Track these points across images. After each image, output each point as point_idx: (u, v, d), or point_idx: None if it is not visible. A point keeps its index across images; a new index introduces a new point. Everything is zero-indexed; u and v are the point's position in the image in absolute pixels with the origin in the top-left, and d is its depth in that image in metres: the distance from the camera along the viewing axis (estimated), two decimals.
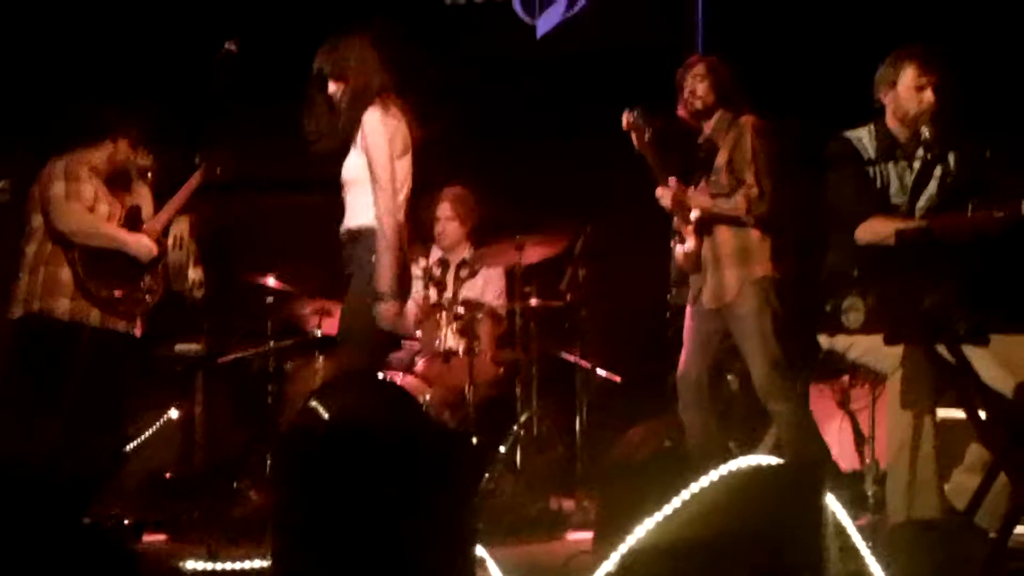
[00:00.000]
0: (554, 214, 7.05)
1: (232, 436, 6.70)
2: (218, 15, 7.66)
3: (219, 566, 4.75)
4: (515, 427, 6.46)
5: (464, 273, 6.86)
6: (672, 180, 5.79)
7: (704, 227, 5.73)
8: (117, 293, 5.87)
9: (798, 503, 3.61)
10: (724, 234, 5.67)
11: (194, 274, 6.04)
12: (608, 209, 7.14)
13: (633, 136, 5.83)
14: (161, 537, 5.73)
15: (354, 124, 5.31)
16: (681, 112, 5.82)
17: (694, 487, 3.52)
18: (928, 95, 4.96)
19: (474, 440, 6.06)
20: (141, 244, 5.94)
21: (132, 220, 6.01)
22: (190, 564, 4.73)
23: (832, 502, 3.71)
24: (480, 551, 4.18)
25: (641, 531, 3.53)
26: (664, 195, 5.80)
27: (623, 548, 3.53)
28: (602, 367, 6.85)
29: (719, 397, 6.00)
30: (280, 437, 5.81)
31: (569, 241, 6.71)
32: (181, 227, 6.04)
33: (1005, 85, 6.25)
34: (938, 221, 4.47)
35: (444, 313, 6.44)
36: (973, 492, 4.27)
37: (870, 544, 3.86)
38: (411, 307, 6.64)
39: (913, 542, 4.29)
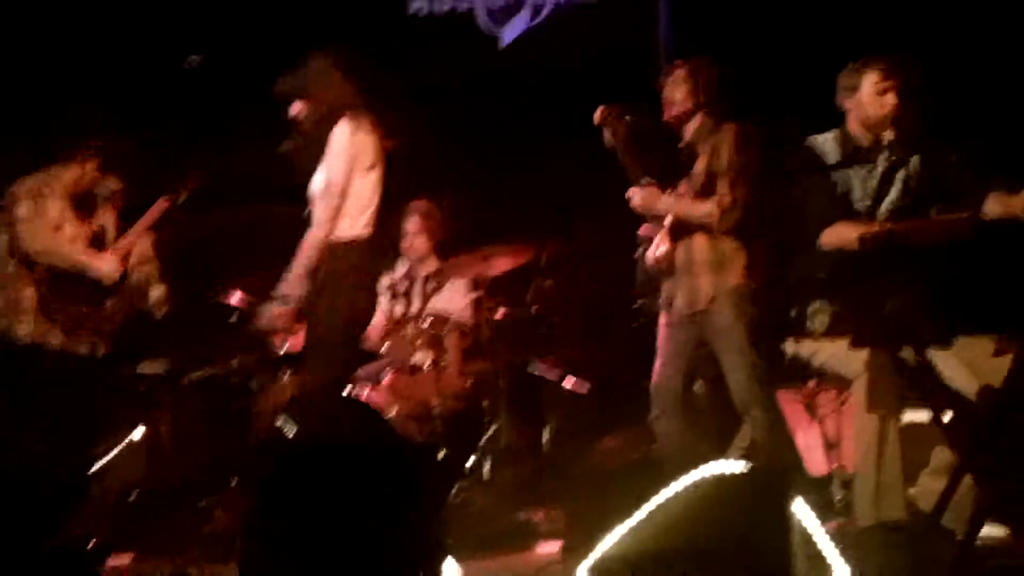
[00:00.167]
0: (520, 225, 7.06)
1: (198, 454, 6.66)
2: (184, 30, 7.64)
3: None
4: (483, 439, 6.45)
5: (431, 286, 6.85)
6: (646, 182, 5.75)
7: (679, 232, 5.68)
8: (81, 314, 5.84)
9: (766, 509, 3.60)
10: (699, 240, 5.61)
11: (156, 292, 6.02)
12: (574, 219, 7.14)
13: (606, 132, 5.79)
14: (128, 557, 5.69)
15: (321, 141, 5.34)
16: (666, 117, 5.79)
17: (661, 495, 3.51)
18: (890, 99, 4.97)
19: (441, 453, 6.05)
20: (105, 264, 5.91)
21: (97, 242, 5.99)
22: None
23: (800, 507, 3.71)
24: (449, 564, 4.16)
25: (610, 541, 3.52)
26: (634, 196, 5.75)
27: (592, 558, 3.52)
28: (570, 377, 6.84)
29: (690, 404, 5.99)
30: (247, 454, 5.78)
31: (535, 252, 6.70)
32: (143, 245, 6.02)
33: (968, 90, 6.28)
34: (901, 225, 4.48)
35: (410, 327, 6.43)
36: (939, 494, 4.27)
37: (838, 548, 3.86)
38: (377, 321, 6.63)
39: (881, 545, 4.30)
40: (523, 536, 5.91)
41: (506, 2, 8.25)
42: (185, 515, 6.05)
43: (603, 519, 3.59)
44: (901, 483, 4.53)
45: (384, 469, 4.11)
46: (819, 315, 4.19)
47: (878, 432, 4.52)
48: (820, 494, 5.50)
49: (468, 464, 6.35)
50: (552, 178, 7.51)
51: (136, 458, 6.65)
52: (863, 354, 4.50)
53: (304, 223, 5.48)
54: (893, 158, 4.94)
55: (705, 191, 5.57)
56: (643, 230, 6.23)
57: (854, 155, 4.98)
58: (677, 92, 5.66)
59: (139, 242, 6.02)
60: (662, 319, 5.77)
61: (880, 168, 4.96)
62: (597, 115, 5.78)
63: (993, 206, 4.64)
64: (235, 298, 6.72)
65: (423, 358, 6.38)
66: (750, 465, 3.75)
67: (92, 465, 6.31)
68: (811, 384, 5.77)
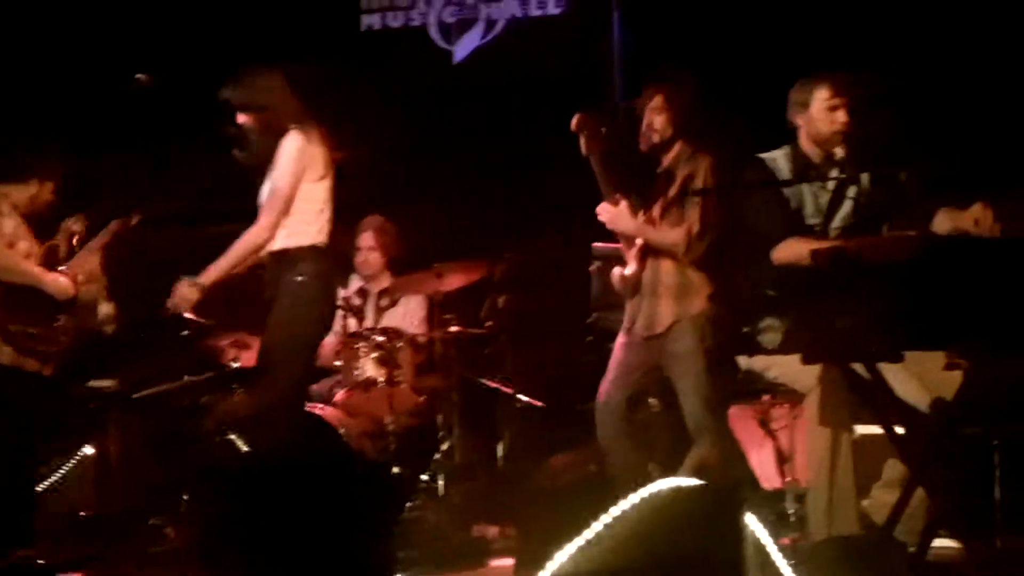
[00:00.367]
0: (474, 242, 7.05)
1: (149, 473, 6.60)
2: (133, 48, 7.61)
3: None
4: (437, 455, 6.43)
5: (384, 302, 6.84)
6: (617, 200, 5.72)
7: (648, 253, 5.69)
8: (32, 331, 5.80)
9: (718, 524, 3.60)
10: (666, 264, 5.60)
11: (105, 309, 5.99)
12: (528, 235, 7.14)
13: (581, 139, 5.77)
14: None
15: (269, 152, 5.31)
16: (642, 146, 5.75)
17: (613, 512, 3.50)
18: (841, 116, 4.99)
19: (395, 470, 6.03)
20: (59, 283, 5.88)
21: (50, 259, 5.96)
22: None
23: (753, 522, 3.71)
24: None
25: (562, 557, 3.51)
26: (604, 212, 5.74)
27: (545, 574, 3.50)
28: (524, 393, 6.83)
29: (640, 422, 5.99)
30: (198, 472, 5.73)
31: (489, 268, 6.69)
32: (91, 262, 5.98)
33: (919, 106, 6.33)
34: (852, 242, 4.49)
35: (364, 343, 6.41)
36: (892, 507, 4.28)
37: (792, 563, 3.86)
38: (330, 337, 6.60)
39: (834, 559, 4.30)
40: (477, 552, 5.91)
41: (459, 17, 8.25)
42: (135, 534, 5.99)
43: (557, 535, 3.57)
44: (854, 496, 4.55)
45: (337, 486, 4.10)
46: (770, 332, 4.20)
47: (831, 446, 4.53)
48: (774, 508, 5.52)
49: (422, 480, 6.33)
50: (506, 194, 7.51)
51: (85, 476, 6.60)
52: (815, 369, 4.52)
53: None
54: (844, 175, 4.96)
55: (676, 217, 5.57)
56: (597, 245, 6.24)
57: (805, 171, 4.99)
58: (656, 119, 5.63)
59: (87, 259, 5.98)
60: (620, 337, 5.77)
61: (831, 185, 4.97)
62: (574, 122, 5.76)
63: (943, 222, 4.67)
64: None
65: (376, 374, 6.36)
66: (703, 481, 3.76)
67: (40, 483, 6.25)
68: (764, 399, 5.79)
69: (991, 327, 3.86)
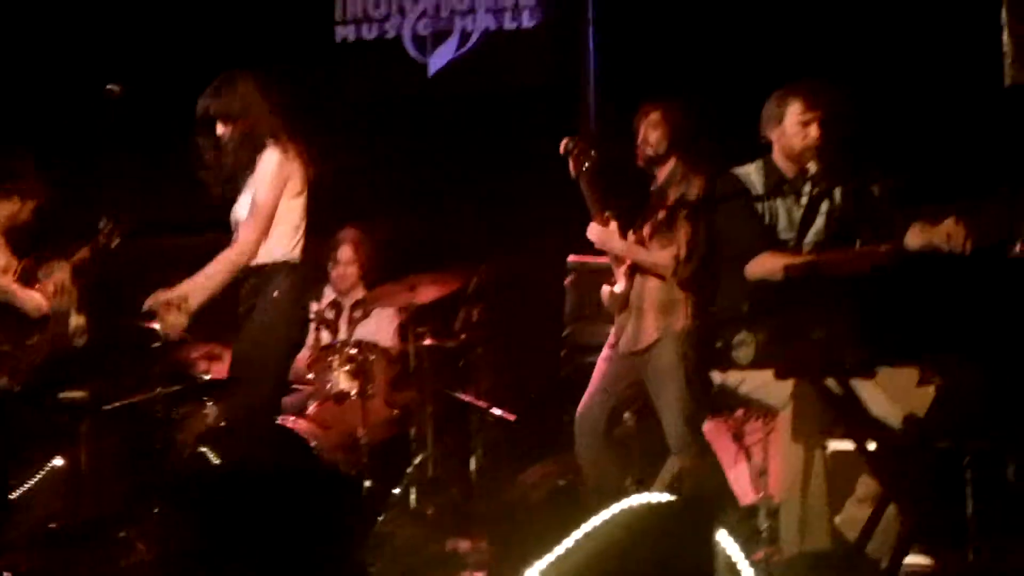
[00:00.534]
0: (448, 254, 7.04)
1: (119, 485, 6.56)
2: (104, 58, 7.59)
3: None
4: (410, 468, 6.40)
5: (358, 314, 6.81)
6: (606, 218, 5.73)
7: (636, 270, 5.71)
8: (5, 348, 5.79)
9: (690, 540, 3.60)
10: (653, 282, 5.65)
11: (76, 320, 5.97)
12: (502, 248, 7.13)
13: (570, 162, 5.78)
14: None
15: (246, 165, 5.29)
16: (640, 159, 5.79)
17: (586, 526, 3.49)
18: (814, 130, 5.00)
19: (367, 483, 6.00)
20: (32, 299, 5.88)
21: (26, 275, 5.94)
22: None
23: (724, 538, 3.71)
24: None
25: (534, 572, 3.50)
26: (592, 231, 5.75)
27: None
28: (497, 407, 6.82)
29: (616, 436, 5.98)
30: (169, 485, 5.70)
31: (463, 281, 6.68)
32: (62, 273, 5.96)
33: (893, 121, 6.35)
34: (825, 256, 4.50)
35: (336, 355, 6.39)
36: (864, 523, 4.29)
37: None
38: (304, 352, 6.59)
39: (806, 574, 4.31)
40: (449, 566, 5.87)
41: (433, 30, 8.25)
42: (105, 546, 5.94)
43: (529, 549, 3.56)
44: (827, 512, 4.54)
45: (308, 499, 4.08)
46: (744, 346, 4.20)
47: (804, 461, 4.53)
48: (747, 523, 5.51)
49: (394, 494, 6.31)
50: (480, 207, 7.51)
51: (55, 488, 6.56)
52: (789, 384, 4.52)
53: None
54: (817, 189, 4.96)
55: (665, 237, 5.58)
56: (572, 258, 6.24)
57: (779, 186, 5.00)
58: (652, 134, 5.69)
59: (58, 270, 5.96)
60: (604, 351, 5.81)
61: (805, 199, 4.98)
62: (562, 145, 5.78)
63: (915, 237, 4.67)
64: (157, 324, 6.65)
65: (349, 387, 6.34)
66: (675, 496, 3.75)
67: (9, 495, 6.21)
68: (738, 414, 5.79)
69: (963, 342, 3.86)
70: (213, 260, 5.26)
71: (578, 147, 5.76)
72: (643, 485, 5.78)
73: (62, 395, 6.66)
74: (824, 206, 4.98)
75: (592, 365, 5.93)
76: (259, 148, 5.30)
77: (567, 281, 6.45)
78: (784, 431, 4.64)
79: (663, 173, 5.72)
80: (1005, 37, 5.72)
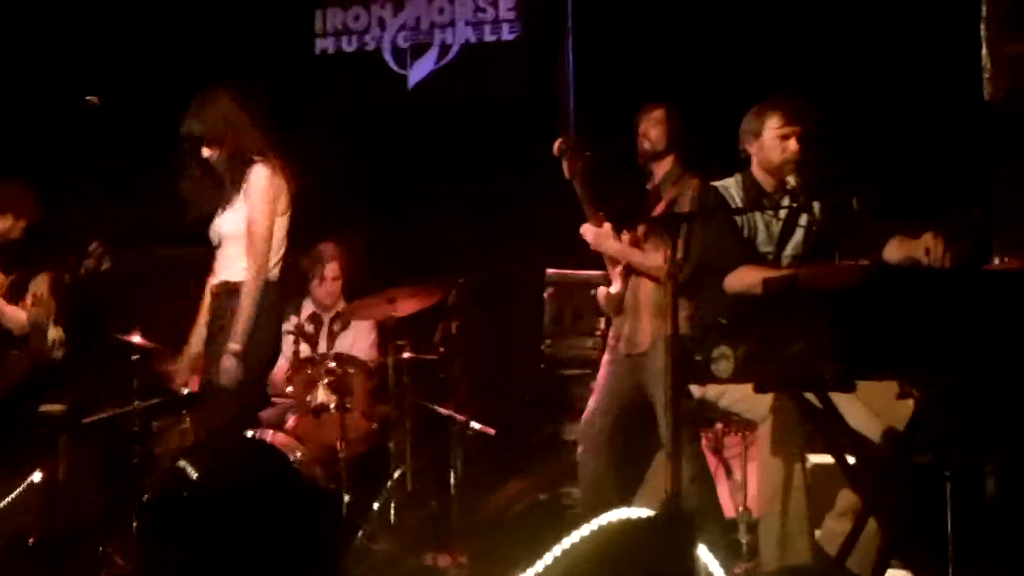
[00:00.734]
0: (427, 267, 7.03)
1: (97, 498, 6.54)
2: (82, 70, 7.57)
3: None
4: (389, 482, 6.39)
5: (337, 327, 6.79)
6: (600, 219, 5.73)
7: (631, 272, 5.71)
8: None
9: (671, 554, 3.60)
10: (648, 284, 5.66)
11: (54, 333, 5.96)
12: (481, 261, 7.13)
13: (564, 164, 5.78)
14: None
15: (237, 184, 5.31)
16: (639, 154, 5.80)
17: (566, 541, 3.49)
18: (792, 144, 5.00)
19: (346, 497, 5.98)
20: (17, 317, 5.87)
21: (12, 292, 5.94)
22: None
23: (704, 552, 3.71)
24: None
25: None
26: (587, 232, 5.75)
27: None
28: (476, 420, 6.81)
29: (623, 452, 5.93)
30: (147, 498, 5.67)
31: (442, 294, 6.68)
32: (40, 285, 5.95)
33: (872, 135, 6.37)
34: (804, 270, 4.50)
35: (315, 369, 6.37)
36: (844, 537, 4.29)
37: None
38: (281, 364, 6.56)
39: None
40: None
41: (413, 42, 8.25)
42: (83, 561, 5.92)
43: (509, 563, 3.56)
44: (807, 526, 4.55)
45: (287, 513, 4.07)
46: (723, 360, 4.19)
47: (783, 475, 4.53)
48: (727, 537, 5.51)
49: (373, 507, 6.29)
50: (460, 218, 7.51)
51: (33, 502, 6.53)
52: (768, 397, 4.53)
53: (204, 264, 5.42)
54: (796, 203, 4.97)
55: (660, 238, 5.58)
56: (550, 271, 6.24)
57: (758, 199, 5.01)
58: (652, 131, 5.73)
59: (36, 283, 5.96)
60: (605, 356, 5.81)
61: (784, 212, 4.98)
62: (556, 146, 5.78)
63: (894, 250, 4.69)
64: (135, 337, 6.64)
65: (328, 400, 6.32)
66: (656, 511, 3.75)
67: None
68: (717, 427, 5.80)
69: (942, 356, 3.87)
70: (241, 300, 5.25)
71: (572, 148, 5.77)
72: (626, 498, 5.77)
73: (40, 409, 6.64)
74: (803, 220, 4.99)
75: (571, 378, 5.93)
76: (248, 164, 5.32)
77: (546, 294, 6.45)
78: (764, 445, 4.64)
79: (660, 172, 5.74)
80: (984, 52, 5.74)
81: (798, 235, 4.97)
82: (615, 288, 5.74)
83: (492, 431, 6.88)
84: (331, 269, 7.00)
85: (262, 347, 5.36)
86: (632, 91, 6.87)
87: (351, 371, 6.42)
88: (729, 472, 6.03)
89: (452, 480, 6.61)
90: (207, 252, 5.50)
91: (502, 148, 7.47)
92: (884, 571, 4.13)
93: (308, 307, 6.99)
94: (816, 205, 4.96)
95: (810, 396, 4.24)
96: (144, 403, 6.67)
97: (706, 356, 4.20)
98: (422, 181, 7.75)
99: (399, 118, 8.07)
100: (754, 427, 4.87)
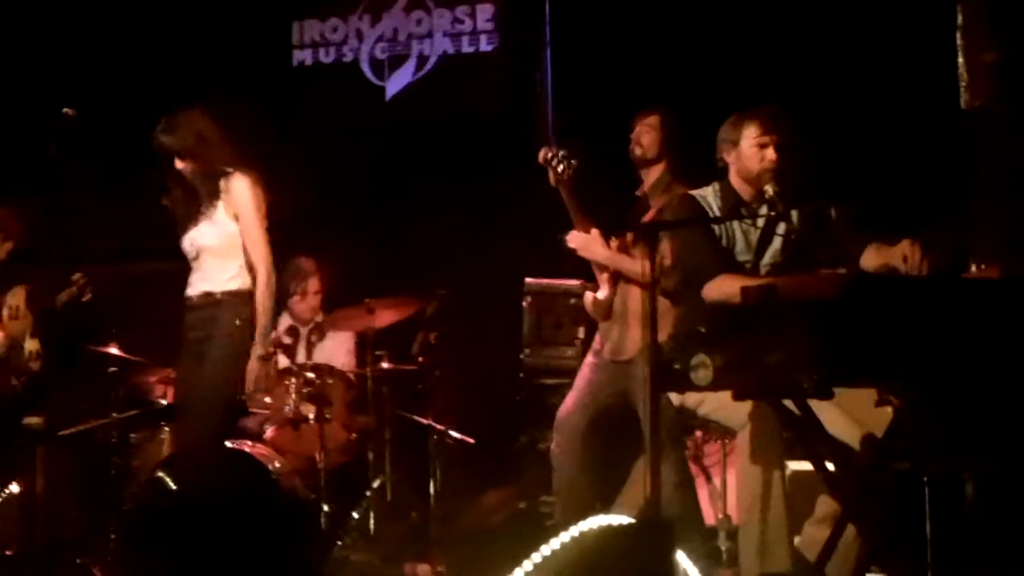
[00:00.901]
0: (405, 277, 7.03)
1: (76, 511, 6.52)
2: (57, 83, 7.55)
3: None
4: (368, 493, 6.38)
5: (315, 337, 6.79)
6: (588, 226, 5.72)
7: (619, 279, 5.71)
8: None
9: (650, 562, 3.60)
10: (636, 291, 5.63)
11: (30, 345, 5.95)
12: (459, 271, 7.13)
13: (550, 172, 5.77)
14: None
15: (213, 197, 5.38)
16: (632, 158, 5.80)
17: (544, 550, 3.49)
18: (770, 153, 5.00)
19: (325, 507, 5.97)
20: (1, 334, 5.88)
21: None
22: None
23: (683, 559, 3.71)
24: None
25: None
26: (573, 239, 5.75)
27: None
28: (455, 430, 6.81)
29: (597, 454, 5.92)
30: (125, 510, 5.66)
31: (420, 304, 6.68)
32: (18, 298, 5.95)
33: (850, 144, 6.39)
34: (782, 279, 4.51)
35: (294, 379, 6.36)
36: (823, 544, 4.29)
37: None
38: (252, 363, 6.55)
39: None
40: None
41: (391, 54, 8.26)
42: (62, 573, 5.90)
43: (489, 573, 3.55)
44: (786, 533, 4.55)
45: (266, 524, 4.06)
46: (702, 368, 4.20)
47: (763, 483, 4.53)
48: (706, 545, 5.51)
49: (352, 518, 6.28)
50: (438, 229, 7.51)
51: (10, 514, 6.50)
52: (747, 405, 4.53)
53: (180, 277, 5.44)
54: (774, 211, 4.97)
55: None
56: (529, 281, 6.24)
57: (736, 208, 5.01)
58: (644, 137, 5.74)
59: (14, 295, 5.96)
60: (588, 358, 5.80)
61: (762, 221, 4.99)
62: (541, 154, 5.77)
63: (872, 258, 4.70)
64: (112, 349, 6.62)
65: (307, 411, 6.31)
66: (635, 518, 3.75)
67: None
68: (696, 435, 5.80)
69: (920, 364, 3.89)
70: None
71: (558, 155, 5.76)
72: (607, 502, 5.77)
73: (18, 421, 6.63)
74: (781, 228, 4.98)
75: (549, 387, 5.93)
76: (222, 175, 5.36)
77: (524, 303, 6.45)
78: (743, 453, 4.64)
79: (650, 178, 5.74)
80: (960, 61, 5.76)
81: (776, 244, 4.98)
82: (603, 293, 5.73)
83: (471, 441, 6.88)
84: (312, 284, 7.00)
85: (240, 358, 5.39)
86: (610, 101, 6.89)
87: (330, 381, 6.41)
88: (709, 480, 6.03)
89: (431, 490, 6.61)
90: (183, 266, 5.53)
91: (481, 159, 7.48)
92: None
93: (286, 320, 6.98)
94: (794, 214, 4.96)
95: (789, 403, 4.24)
96: (122, 415, 6.67)
97: (685, 364, 4.20)
98: (400, 192, 7.75)
99: (377, 130, 8.08)
100: (733, 435, 4.87)
